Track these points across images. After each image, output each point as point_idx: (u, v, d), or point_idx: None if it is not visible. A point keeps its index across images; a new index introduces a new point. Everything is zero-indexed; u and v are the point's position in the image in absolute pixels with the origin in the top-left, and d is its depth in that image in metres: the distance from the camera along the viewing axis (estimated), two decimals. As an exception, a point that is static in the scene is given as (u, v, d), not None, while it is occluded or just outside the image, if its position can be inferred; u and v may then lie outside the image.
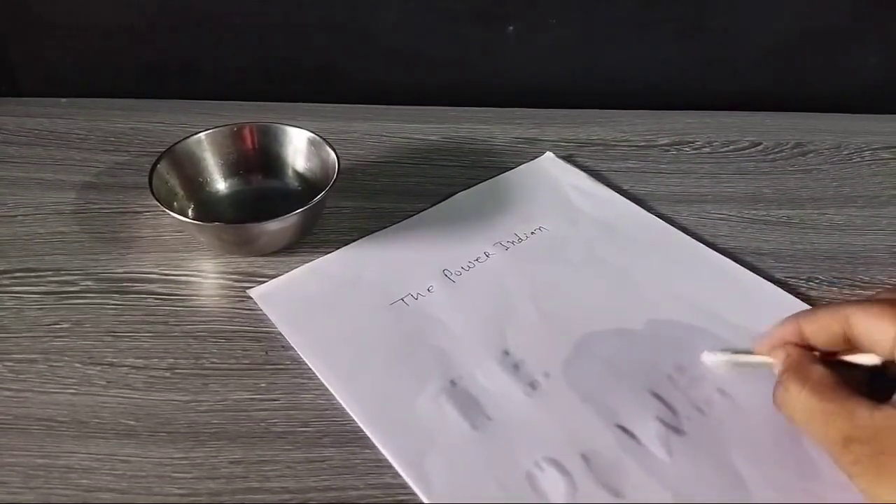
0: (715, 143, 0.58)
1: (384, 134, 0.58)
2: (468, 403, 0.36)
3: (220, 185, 0.49)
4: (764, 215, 0.50)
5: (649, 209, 0.50)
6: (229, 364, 0.39)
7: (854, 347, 0.33)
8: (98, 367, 0.38)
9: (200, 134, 0.48)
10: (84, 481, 0.33)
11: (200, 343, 0.40)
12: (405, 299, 0.42)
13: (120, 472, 0.33)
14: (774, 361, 0.34)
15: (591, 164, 0.55)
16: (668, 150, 0.57)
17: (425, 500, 0.32)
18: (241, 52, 0.64)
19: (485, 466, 0.33)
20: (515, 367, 0.38)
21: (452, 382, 0.37)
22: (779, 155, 0.57)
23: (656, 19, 0.62)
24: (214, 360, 0.39)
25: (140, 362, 0.38)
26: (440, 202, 0.50)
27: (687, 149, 0.58)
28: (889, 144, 0.58)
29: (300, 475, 0.33)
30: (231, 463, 0.34)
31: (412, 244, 0.47)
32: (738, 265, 0.45)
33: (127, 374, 0.38)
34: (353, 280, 0.44)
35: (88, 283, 0.43)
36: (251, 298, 0.42)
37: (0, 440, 0.35)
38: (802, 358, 0.33)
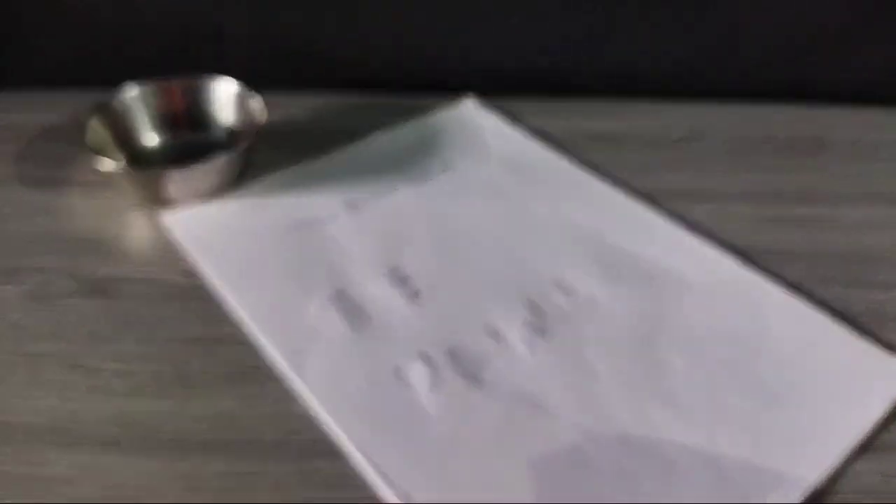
0: (730, 138, 0.56)
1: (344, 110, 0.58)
2: (352, 310, 0.40)
3: (152, 140, 0.52)
4: (778, 212, 0.49)
5: (660, 204, 0.48)
6: (216, 371, 0.37)
7: None
8: (80, 372, 0.37)
9: (133, 90, 0.51)
10: (66, 490, 0.32)
11: (187, 348, 0.39)
12: (312, 224, 0.46)
13: (103, 483, 0.32)
14: None
15: (602, 157, 0.53)
16: (680, 144, 0.56)
17: (299, 384, 0.36)
18: (241, 51, 0.62)
19: (357, 362, 0.37)
20: (402, 281, 0.42)
21: (341, 291, 0.41)
22: (795, 150, 0.55)
23: (668, 8, 0.60)
24: (201, 366, 0.38)
25: (123, 367, 0.37)
26: (357, 142, 0.53)
27: (700, 142, 0.56)
28: (909, 138, 0.56)
29: (290, 487, 0.32)
30: (218, 475, 0.33)
31: (324, 177, 0.50)
32: (634, 201, 0.48)
33: (110, 379, 0.37)
34: (262, 208, 0.47)
35: (72, 284, 0.42)
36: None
37: (-20, 448, 0.34)
38: None
